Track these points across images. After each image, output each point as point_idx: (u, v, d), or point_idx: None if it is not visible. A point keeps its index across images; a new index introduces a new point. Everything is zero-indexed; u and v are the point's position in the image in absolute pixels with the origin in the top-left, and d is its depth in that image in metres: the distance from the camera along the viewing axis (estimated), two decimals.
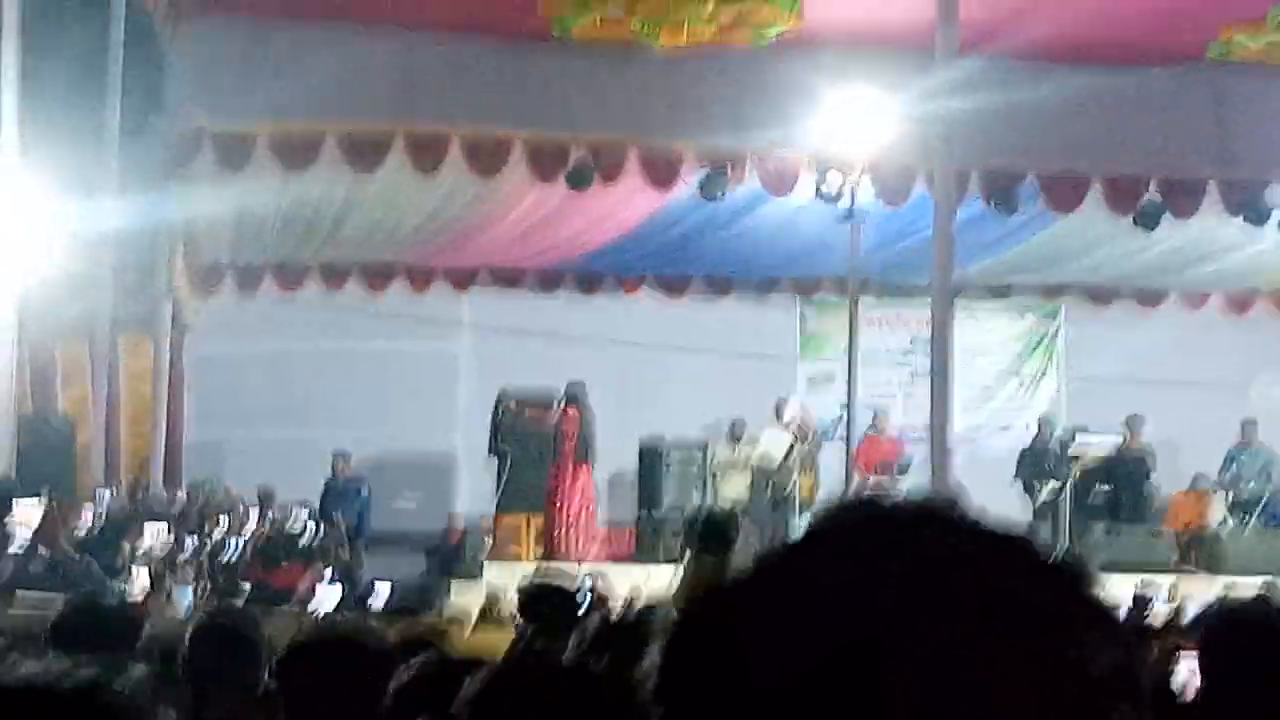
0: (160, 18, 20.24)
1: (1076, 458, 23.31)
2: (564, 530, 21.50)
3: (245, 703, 6.29)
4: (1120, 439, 23.87)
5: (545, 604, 7.56)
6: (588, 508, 22.08)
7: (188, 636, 6.38)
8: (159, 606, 10.40)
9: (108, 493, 18.58)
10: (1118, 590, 13.34)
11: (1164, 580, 14.87)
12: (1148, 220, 21.74)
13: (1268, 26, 19.99)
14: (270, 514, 20.22)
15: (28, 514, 10.51)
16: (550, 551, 20.88)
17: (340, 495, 23.37)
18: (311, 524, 20.56)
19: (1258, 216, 21.69)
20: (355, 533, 22.74)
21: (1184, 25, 19.77)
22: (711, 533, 8.98)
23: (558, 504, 21.77)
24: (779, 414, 23.83)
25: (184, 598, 12.76)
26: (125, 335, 22.60)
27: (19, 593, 8.54)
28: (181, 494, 21.22)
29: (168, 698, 6.82)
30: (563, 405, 21.88)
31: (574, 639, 5.49)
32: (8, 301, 15.21)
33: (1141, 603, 12.21)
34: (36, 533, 10.39)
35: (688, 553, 8.96)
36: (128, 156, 20.27)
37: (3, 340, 15.17)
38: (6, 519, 8.69)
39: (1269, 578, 17.46)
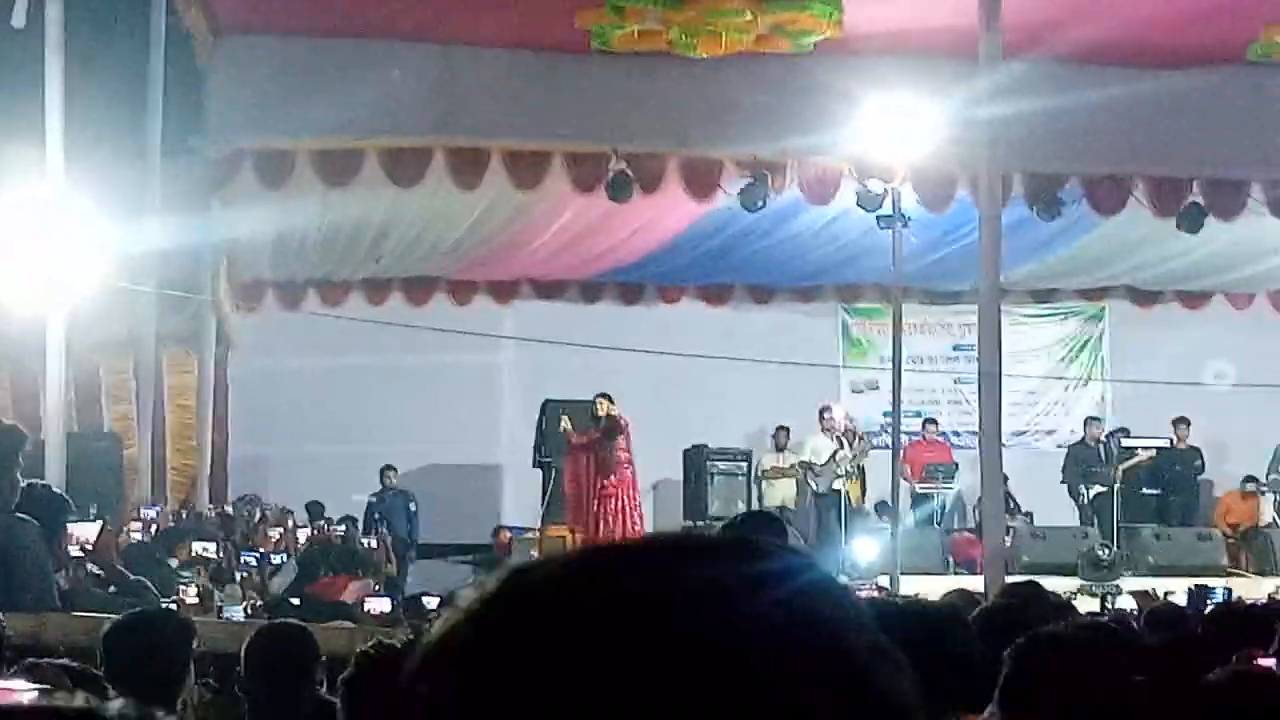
0: (199, 38, 20.32)
1: (1124, 459, 23.24)
2: (610, 540, 21.49)
3: (300, 715, 6.31)
4: (1167, 441, 23.81)
5: None
6: (635, 516, 22.12)
7: (244, 651, 6.40)
8: (209, 623, 10.43)
9: (154, 510, 18.63)
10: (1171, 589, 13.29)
11: (1217, 582, 14.82)
12: (1191, 222, 21.65)
13: None
14: (319, 527, 20.26)
15: (82, 532, 10.57)
16: None
17: (389, 508, 23.46)
18: (361, 537, 20.60)
19: None
20: (405, 545, 22.82)
21: (1225, 26, 19.67)
22: (758, 529, 8.80)
23: (606, 514, 21.79)
24: (823, 420, 23.83)
25: (234, 613, 12.78)
26: (169, 351, 22.64)
27: (74, 613, 8.59)
28: (229, 509, 21.27)
29: (223, 710, 6.84)
30: (615, 417, 21.92)
31: None
32: (56, 319, 15.27)
33: (1201, 593, 12.17)
34: (89, 552, 10.46)
35: None
36: (169, 175, 20.31)
37: (52, 357, 15.22)
38: (63, 538, 8.76)
39: None
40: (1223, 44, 20.34)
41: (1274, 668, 5.66)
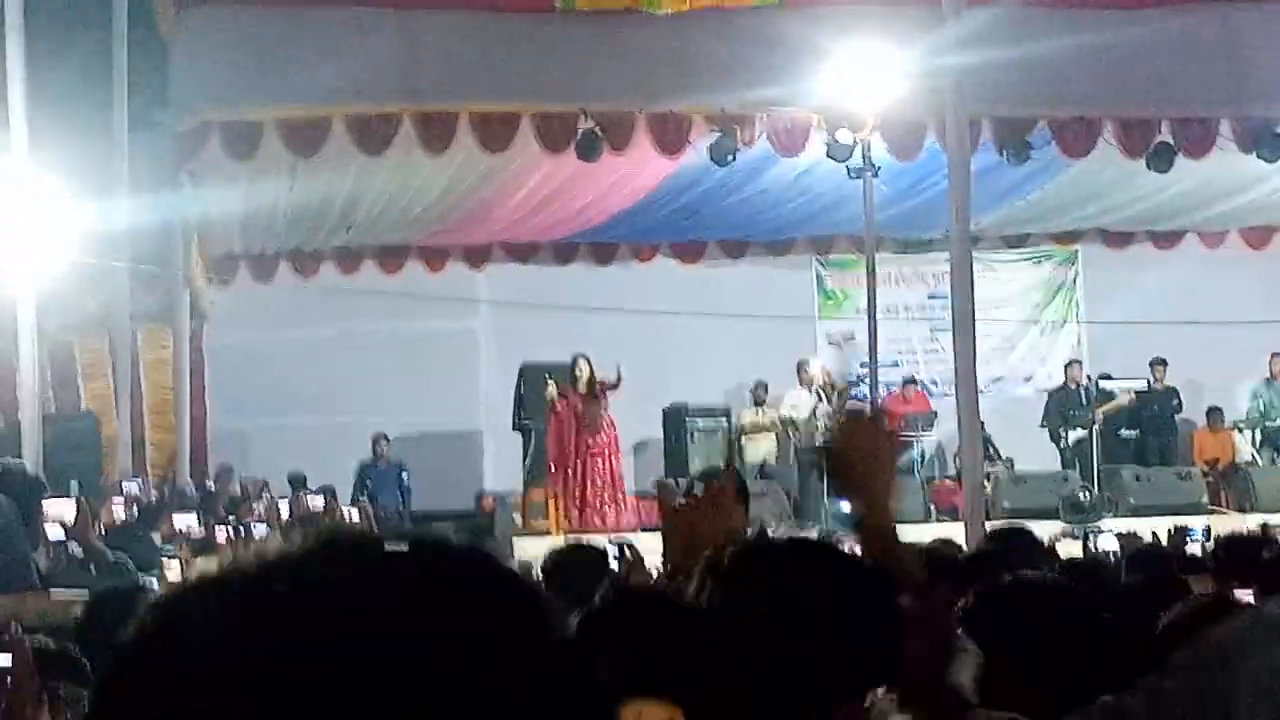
0: (162, 10, 20.22)
1: (1104, 402, 23.28)
2: (596, 500, 21.49)
3: None
4: (1144, 382, 23.85)
5: (571, 570, 7.21)
6: (619, 476, 22.07)
7: None
8: None
9: (134, 485, 18.58)
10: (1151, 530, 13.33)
11: (1198, 521, 14.88)
12: (1161, 162, 21.65)
13: None
14: (302, 499, 20.22)
15: (60, 511, 10.52)
16: (581, 524, 20.85)
17: (380, 479, 23.38)
18: (346, 508, 20.55)
19: (1271, 153, 21.57)
20: (398, 517, 22.81)
21: None
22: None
23: (593, 474, 21.74)
24: (801, 374, 23.84)
25: None
26: (144, 328, 22.59)
27: (52, 590, 8.55)
28: (210, 483, 21.23)
29: None
30: (598, 378, 21.81)
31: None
32: (26, 300, 15.21)
33: (1180, 533, 12.21)
34: (68, 530, 10.42)
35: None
36: (137, 150, 20.24)
37: (24, 338, 15.17)
38: (39, 517, 8.72)
39: None
40: None
41: (1251, 600, 5.67)
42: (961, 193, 14.88)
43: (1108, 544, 11.98)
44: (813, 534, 16.24)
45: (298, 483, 21.59)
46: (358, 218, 23.66)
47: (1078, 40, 19.88)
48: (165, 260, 21.76)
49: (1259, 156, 21.65)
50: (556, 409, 22.09)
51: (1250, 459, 23.82)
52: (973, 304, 15.13)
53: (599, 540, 9.81)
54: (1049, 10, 20.16)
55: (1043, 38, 19.58)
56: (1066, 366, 24.89)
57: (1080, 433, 23.12)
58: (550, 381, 22.08)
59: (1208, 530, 11.99)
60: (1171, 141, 21.51)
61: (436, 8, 20.07)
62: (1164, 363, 23.98)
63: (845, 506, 2.92)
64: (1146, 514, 19.55)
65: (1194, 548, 11.16)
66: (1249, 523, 16.56)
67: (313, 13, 19.88)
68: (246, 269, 25.72)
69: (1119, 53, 20.60)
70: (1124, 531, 13.27)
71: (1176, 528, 12.65)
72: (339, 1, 19.78)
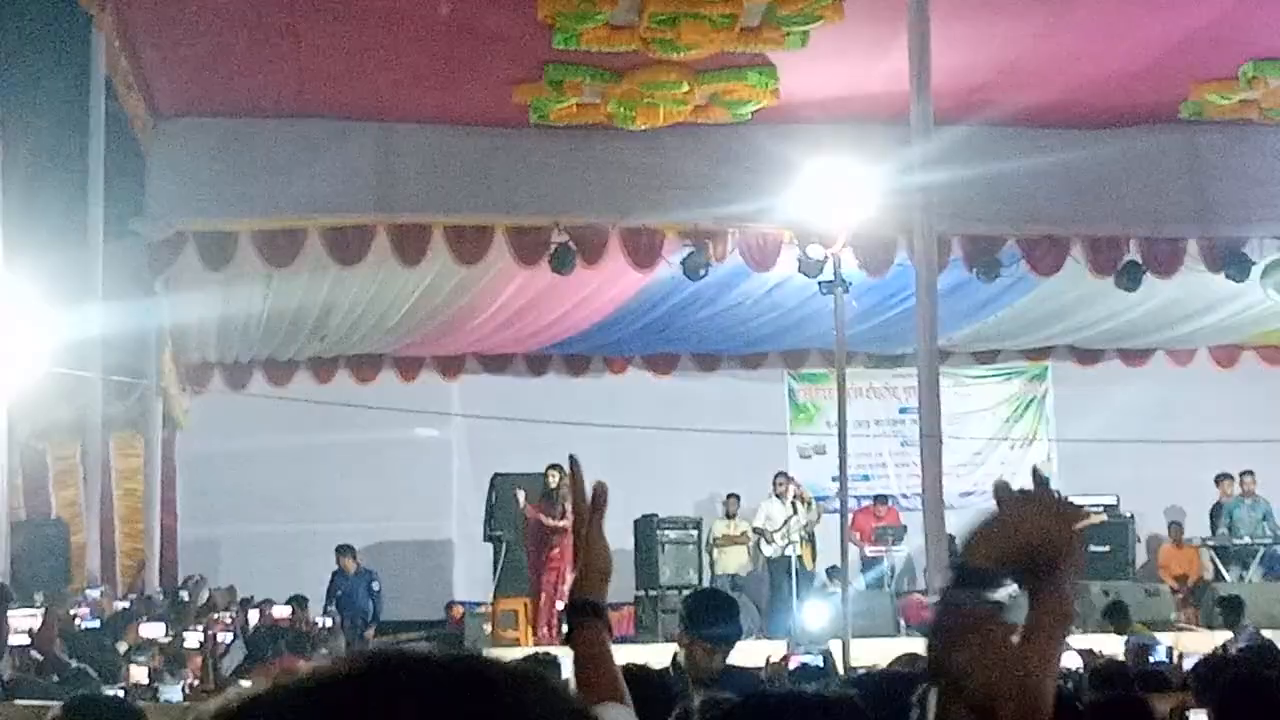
0: (138, 121, 20.36)
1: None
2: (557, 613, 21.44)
3: None
4: (1114, 498, 23.90)
5: None
6: None
7: None
8: (149, 706, 10.38)
9: (98, 590, 18.52)
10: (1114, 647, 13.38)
11: (1163, 637, 14.91)
12: (1129, 281, 21.81)
13: (1239, 83, 20.11)
14: (265, 609, 20.16)
15: (25, 623, 10.48)
16: (552, 634, 20.79)
17: (352, 589, 23.16)
18: (314, 617, 20.51)
19: (1238, 272, 21.76)
20: (364, 624, 22.72)
21: (1156, 86, 19.92)
22: (705, 611, 8.67)
23: (547, 585, 21.68)
24: (777, 485, 23.89)
25: (173, 694, 12.70)
26: (116, 435, 22.59)
27: (16, 701, 8.54)
28: (182, 593, 21.14)
29: None
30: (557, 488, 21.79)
31: None
32: None
33: (1141, 649, 12.27)
34: (33, 638, 10.39)
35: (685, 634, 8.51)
36: (112, 259, 20.29)
37: None
38: (4, 627, 8.69)
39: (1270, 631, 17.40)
40: (1154, 104, 20.60)
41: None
42: (929, 310, 15.01)
43: (1070, 660, 12.01)
44: (781, 646, 16.15)
45: (248, 604, 21.19)
46: (332, 327, 23.74)
47: (1045, 160, 20.13)
48: (138, 368, 21.78)
49: (1227, 276, 21.83)
50: (529, 520, 22.11)
51: (1216, 575, 23.82)
52: (938, 421, 15.21)
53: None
54: (1017, 129, 20.41)
55: (1011, 157, 19.83)
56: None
57: None
58: (520, 492, 22.10)
59: (1169, 649, 12.04)
60: (1139, 260, 21.69)
61: (412, 121, 20.24)
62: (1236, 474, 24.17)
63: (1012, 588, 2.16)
64: (1114, 630, 19.53)
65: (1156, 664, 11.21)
66: (1215, 639, 16.62)
67: (288, 124, 20.05)
68: (220, 377, 25.78)
69: (1086, 172, 20.86)
70: (1085, 649, 13.30)
71: (1139, 645, 12.69)
72: (314, 113, 19.94)
